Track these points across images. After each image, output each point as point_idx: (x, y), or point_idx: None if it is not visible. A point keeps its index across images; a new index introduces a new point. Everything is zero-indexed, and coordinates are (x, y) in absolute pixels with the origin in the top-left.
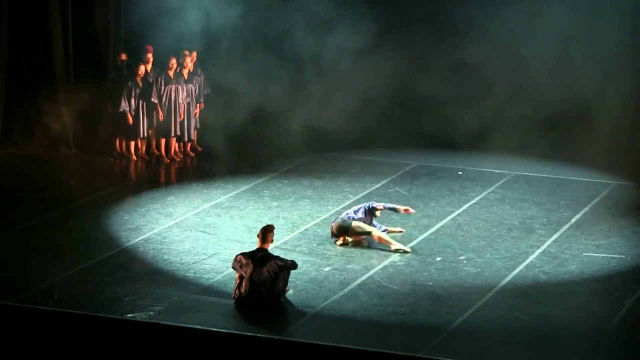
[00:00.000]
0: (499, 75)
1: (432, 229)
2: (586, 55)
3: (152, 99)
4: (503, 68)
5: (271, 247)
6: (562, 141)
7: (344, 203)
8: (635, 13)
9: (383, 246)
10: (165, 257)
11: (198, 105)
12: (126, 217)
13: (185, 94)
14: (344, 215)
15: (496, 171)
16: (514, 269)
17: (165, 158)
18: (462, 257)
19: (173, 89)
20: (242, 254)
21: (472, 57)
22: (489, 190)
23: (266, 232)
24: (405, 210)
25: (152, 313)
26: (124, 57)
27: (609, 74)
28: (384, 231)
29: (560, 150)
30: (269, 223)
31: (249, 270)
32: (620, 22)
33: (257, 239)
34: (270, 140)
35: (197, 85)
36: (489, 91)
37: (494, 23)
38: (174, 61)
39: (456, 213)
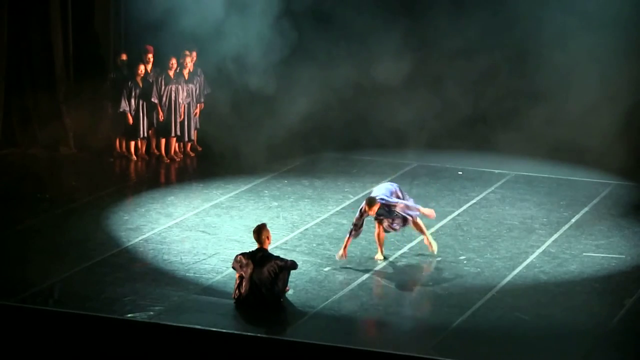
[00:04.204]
0: (510, 75)
1: (432, 229)
2: (590, 57)
3: (152, 99)
4: (517, 70)
5: (271, 247)
6: (563, 141)
7: (344, 203)
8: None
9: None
10: (165, 257)
11: (198, 105)
12: (126, 217)
13: (185, 94)
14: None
15: (496, 171)
16: (514, 269)
17: (165, 158)
18: (462, 257)
19: (173, 89)
20: (242, 254)
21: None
22: (489, 190)
23: (260, 232)
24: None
25: (152, 313)
26: (124, 57)
27: (610, 74)
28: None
29: (560, 150)
30: (260, 223)
31: (249, 271)
32: (622, 21)
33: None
34: (270, 140)
35: (197, 85)
36: (492, 91)
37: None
38: (174, 61)
39: (456, 213)
